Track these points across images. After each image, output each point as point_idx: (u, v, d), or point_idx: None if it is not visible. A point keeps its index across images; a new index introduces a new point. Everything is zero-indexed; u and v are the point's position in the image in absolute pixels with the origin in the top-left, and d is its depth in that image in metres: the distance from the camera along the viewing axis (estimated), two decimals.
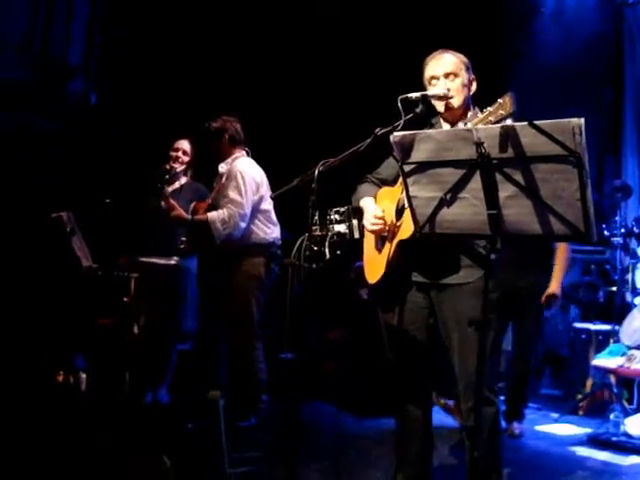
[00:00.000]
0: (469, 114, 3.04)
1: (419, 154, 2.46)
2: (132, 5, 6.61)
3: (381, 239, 3.19)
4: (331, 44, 6.89)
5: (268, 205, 4.80)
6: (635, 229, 5.90)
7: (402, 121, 2.91)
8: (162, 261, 5.09)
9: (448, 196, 2.45)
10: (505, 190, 2.33)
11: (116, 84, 6.56)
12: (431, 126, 3.17)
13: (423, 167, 2.47)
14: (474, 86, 3.13)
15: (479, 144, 2.28)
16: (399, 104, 2.92)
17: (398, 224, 3.04)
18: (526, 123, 2.20)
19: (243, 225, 4.64)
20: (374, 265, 3.20)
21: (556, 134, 2.15)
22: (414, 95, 2.98)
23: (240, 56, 6.79)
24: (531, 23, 7.17)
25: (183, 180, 5.31)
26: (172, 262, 5.11)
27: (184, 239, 4.98)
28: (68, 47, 6.47)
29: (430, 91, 3.06)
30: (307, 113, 6.82)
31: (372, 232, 3.17)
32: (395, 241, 3.05)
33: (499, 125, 2.30)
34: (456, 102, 3.04)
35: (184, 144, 5.25)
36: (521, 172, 2.27)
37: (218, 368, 5.03)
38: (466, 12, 6.58)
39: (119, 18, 6.64)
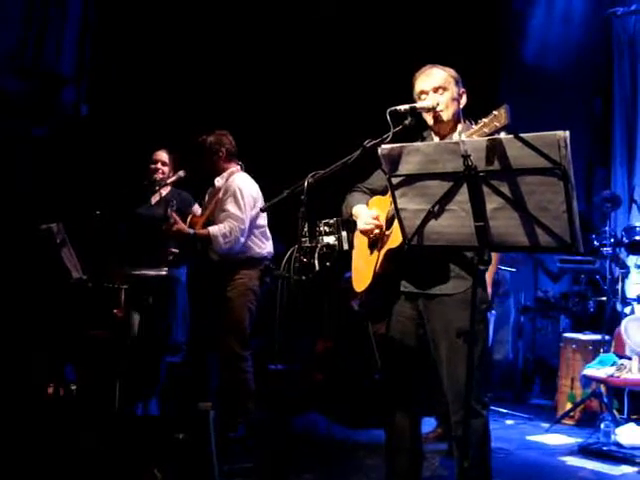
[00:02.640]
0: (459, 127, 3.05)
1: (407, 167, 2.47)
2: (124, 17, 6.62)
3: (370, 248, 3.20)
4: (321, 56, 6.91)
5: (263, 220, 4.83)
6: (624, 239, 5.93)
7: (390, 133, 2.92)
8: (152, 272, 5.10)
9: (436, 208, 2.47)
10: (492, 202, 2.34)
11: (108, 95, 6.57)
12: (422, 139, 3.18)
13: (411, 180, 2.48)
14: (464, 99, 3.15)
15: (466, 157, 2.30)
16: (388, 116, 2.94)
17: (387, 233, 3.06)
18: (512, 136, 2.22)
19: (242, 240, 4.67)
20: (362, 273, 3.21)
21: (542, 147, 2.17)
22: (403, 107, 3.00)
23: (229, 69, 6.81)
24: (521, 35, 7.21)
25: (165, 191, 5.31)
26: (162, 273, 5.11)
27: (173, 250, 4.99)
28: (60, 57, 6.47)
29: (419, 103, 3.08)
30: (296, 125, 6.83)
31: (365, 232, 3.13)
32: (384, 250, 3.06)
33: (486, 138, 2.32)
34: (445, 115, 3.06)
35: (162, 155, 5.24)
36: (507, 184, 2.29)
37: (208, 379, 5.02)
38: (457, 24, 6.61)
39: (111, 30, 6.64)
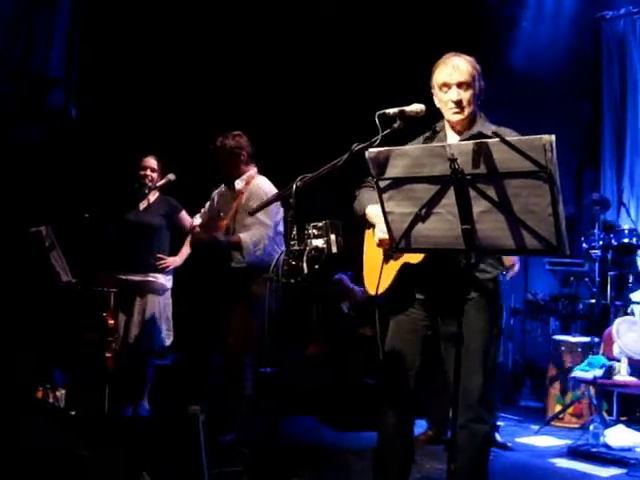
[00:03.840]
0: (478, 123, 3.03)
1: (394, 170, 2.47)
2: (113, 19, 6.60)
3: (385, 255, 3.13)
4: (320, 56, 6.90)
5: (281, 227, 4.79)
6: (613, 242, 5.96)
7: (379, 137, 2.91)
8: (138, 278, 5.10)
9: (423, 211, 2.47)
10: (479, 205, 2.35)
11: (97, 98, 6.55)
12: (434, 132, 3.13)
13: (398, 183, 2.48)
14: (483, 94, 3.08)
15: (453, 160, 2.30)
16: (376, 120, 2.93)
17: None
18: (498, 139, 2.23)
19: (269, 247, 4.62)
20: (376, 277, 3.12)
21: (527, 150, 2.18)
22: (391, 111, 2.98)
23: (220, 70, 6.80)
24: (509, 37, 7.22)
25: (153, 197, 5.31)
26: (149, 278, 5.12)
27: (160, 256, 5.02)
28: (49, 59, 6.44)
29: (407, 107, 3.04)
30: (290, 127, 6.83)
31: (383, 242, 3.05)
32: (400, 262, 3.03)
33: (472, 142, 2.32)
34: (466, 112, 3.01)
35: (151, 161, 5.24)
36: (494, 187, 2.29)
37: (205, 381, 5.03)
38: (442, 26, 6.62)
39: (100, 31, 6.62)
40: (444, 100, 3.02)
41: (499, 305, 3.06)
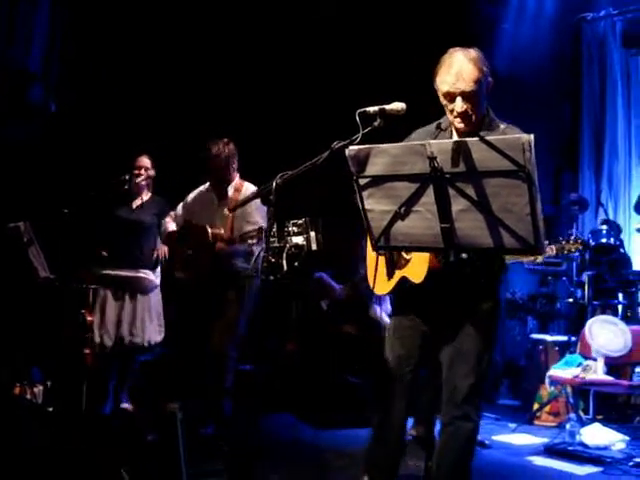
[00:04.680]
0: (484, 125, 2.87)
1: (374, 168, 2.49)
2: (95, 13, 6.56)
3: (388, 265, 3.14)
4: (319, 56, 6.89)
5: None
6: (591, 242, 6.01)
7: (360, 135, 2.91)
8: (126, 273, 5.09)
9: (402, 209, 2.49)
10: (458, 204, 2.37)
11: (77, 92, 6.50)
12: (439, 129, 3.01)
13: (378, 181, 2.50)
14: (490, 89, 2.88)
15: (432, 158, 2.32)
16: (357, 118, 2.93)
17: (408, 257, 2.98)
18: (477, 138, 2.25)
19: None
20: (382, 281, 3.15)
21: (506, 150, 2.20)
22: (372, 109, 2.97)
23: (200, 67, 6.77)
24: (489, 38, 7.25)
25: (146, 196, 5.32)
26: (139, 275, 5.13)
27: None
28: (28, 54, 6.40)
29: (388, 105, 3.01)
30: (266, 127, 6.82)
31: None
32: (401, 274, 3.02)
33: (451, 140, 2.34)
34: (473, 119, 2.82)
35: (145, 161, 5.27)
36: (473, 186, 2.31)
37: (190, 376, 5.05)
38: (424, 28, 6.62)
39: (82, 25, 6.58)
40: (448, 108, 2.84)
41: (499, 309, 2.99)
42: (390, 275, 3.12)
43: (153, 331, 5.19)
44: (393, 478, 3.16)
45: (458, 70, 2.74)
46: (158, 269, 5.23)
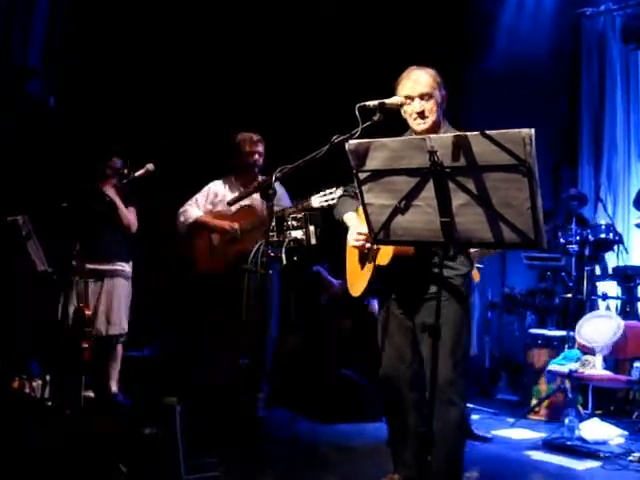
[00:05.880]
0: (442, 129, 3.12)
1: (374, 162, 2.48)
2: (94, 8, 6.54)
3: (360, 260, 3.27)
4: (318, 56, 6.88)
5: None
6: (590, 237, 6.01)
7: (359, 129, 2.93)
8: (107, 267, 5.14)
9: (402, 204, 2.48)
10: (458, 198, 2.36)
11: (76, 87, 6.49)
12: None
13: (378, 175, 2.50)
14: (445, 102, 3.20)
15: (432, 152, 2.31)
16: (357, 112, 2.94)
17: (377, 247, 3.10)
18: (478, 133, 2.24)
19: None
20: (357, 280, 3.29)
21: (507, 144, 2.19)
22: (371, 103, 3.00)
23: (199, 62, 6.75)
24: (489, 33, 7.23)
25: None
26: (116, 267, 5.21)
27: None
28: (27, 48, 6.38)
29: (389, 100, 3.08)
30: (267, 121, 6.79)
31: (355, 247, 3.23)
32: (373, 265, 3.12)
33: (452, 134, 2.33)
34: (430, 121, 3.12)
35: (116, 162, 5.33)
36: (473, 180, 2.31)
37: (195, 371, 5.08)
38: (424, 23, 6.60)
39: (80, 20, 6.56)
40: (408, 112, 3.14)
41: (469, 299, 3.16)
42: (362, 266, 3.25)
43: (126, 320, 5.29)
44: (422, 474, 3.19)
45: (416, 78, 3.15)
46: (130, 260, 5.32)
